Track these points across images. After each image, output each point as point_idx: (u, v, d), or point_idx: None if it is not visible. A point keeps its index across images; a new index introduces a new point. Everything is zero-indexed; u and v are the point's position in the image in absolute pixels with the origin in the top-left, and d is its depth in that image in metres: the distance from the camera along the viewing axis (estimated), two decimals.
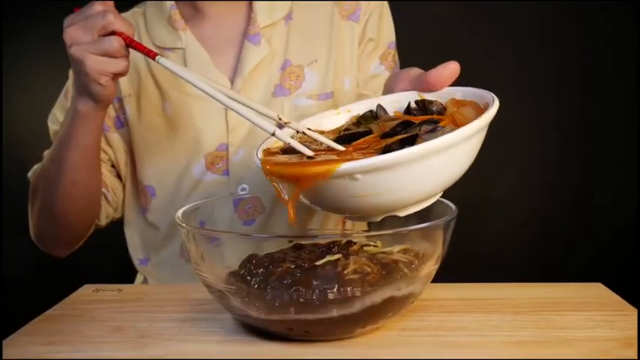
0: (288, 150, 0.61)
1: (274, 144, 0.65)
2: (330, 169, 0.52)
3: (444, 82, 0.64)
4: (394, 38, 0.99)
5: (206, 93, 0.63)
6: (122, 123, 0.95)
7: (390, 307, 0.56)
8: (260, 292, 0.54)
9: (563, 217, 1.64)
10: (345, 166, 0.51)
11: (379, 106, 0.67)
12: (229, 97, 0.63)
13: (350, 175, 0.52)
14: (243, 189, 0.91)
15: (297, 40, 0.94)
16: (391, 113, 0.67)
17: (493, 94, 0.60)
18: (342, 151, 0.57)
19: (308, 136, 0.63)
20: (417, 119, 0.61)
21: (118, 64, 0.73)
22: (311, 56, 0.94)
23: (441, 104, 0.63)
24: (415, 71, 0.68)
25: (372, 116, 0.67)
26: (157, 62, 0.69)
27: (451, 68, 0.64)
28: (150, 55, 0.70)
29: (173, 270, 0.96)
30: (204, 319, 0.63)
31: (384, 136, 0.60)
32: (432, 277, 0.59)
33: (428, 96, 0.66)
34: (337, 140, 0.60)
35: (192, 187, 0.93)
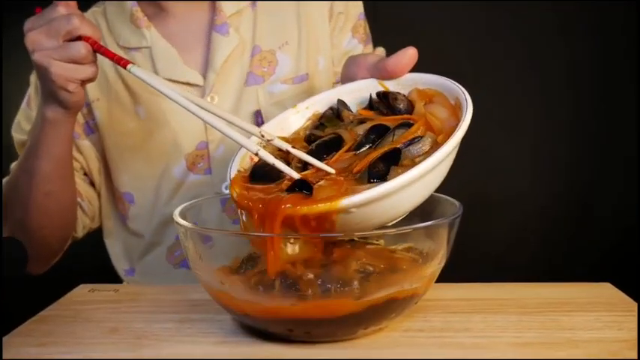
0: (257, 173, 0.59)
1: (244, 157, 0.64)
2: (331, 208, 0.50)
3: (404, 69, 0.63)
4: (362, 9, 0.97)
5: (183, 107, 0.61)
6: (92, 129, 0.92)
7: (393, 307, 0.55)
8: (260, 292, 0.53)
9: (568, 217, 1.63)
10: (345, 202, 0.50)
11: (340, 102, 0.66)
12: (208, 111, 0.61)
13: (346, 210, 0.51)
14: (226, 187, 0.90)
15: (266, 24, 0.92)
16: (352, 105, 0.66)
17: (461, 88, 0.58)
18: (332, 179, 0.55)
19: (291, 154, 0.60)
20: (387, 121, 0.60)
21: (85, 71, 0.71)
22: (281, 39, 0.92)
23: (405, 97, 0.62)
24: (372, 58, 0.67)
25: (334, 115, 0.66)
26: (129, 71, 0.65)
27: (409, 54, 0.62)
28: (120, 63, 0.66)
29: (161, 275, 0.94)
30: (202, 320, 0.62)
31: (359, 146, 0.58)
32: (436, 277, 0.58)
33: (389, 84, 0.65)
34: (309, 154, 0.59)
35: (173, 190, 0.91)
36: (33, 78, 0.93)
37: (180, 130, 0.90)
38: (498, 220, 1.61)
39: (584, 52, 1.60)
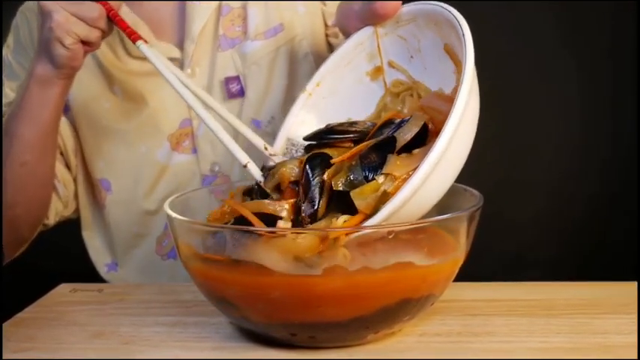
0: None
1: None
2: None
3: (394, 9, 0.65)
4: None
5: (185, 100, 0.66)
6: (68, 107, 0.91)
7: (406, 309, 0.55)
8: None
9: (600, 209, 1.62)
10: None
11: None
12: (209, 110, 0.66)
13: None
14: (213, 167, 0.90)
15: None
16: (363, 62, 0.68)
17: (459, 18, 0.57)
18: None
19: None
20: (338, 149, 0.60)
21: (88, 32, 0.72)
22: None
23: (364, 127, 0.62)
24: (357, 5, 0.68)
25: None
26: (137, 47, 0.71)
27: None
28: (131, 37, 0.71)
29: (149, 270, 0.93)
30: (196, 323, 0.62)
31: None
32: (454, 275, 0.58)
33: (388, 27, 0.66)
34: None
35: (157, 175, 0.91)
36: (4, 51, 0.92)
37: (161, 110, 0.89)
38: (524, 211, 1.60)
39: (632, 22, 1.57)
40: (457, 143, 0.53)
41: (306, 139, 0.64)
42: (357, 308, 0.53)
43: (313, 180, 0.57)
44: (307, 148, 0.65)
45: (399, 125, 0.58)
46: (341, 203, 0.55)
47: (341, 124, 0.63)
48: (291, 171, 0.59)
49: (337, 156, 0.58)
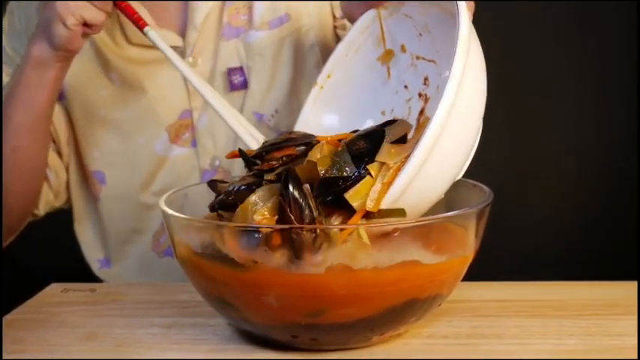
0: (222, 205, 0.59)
1: None
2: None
3: None
4: None
5: (198, 90, 0.73)
6: (63, 93, 0.91)
7: (413, 309, 0.55)
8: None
9: (615, 204, 1.62)
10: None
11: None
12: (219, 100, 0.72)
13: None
14: (214, 162, 0.90)
15: None
16: (370, 45, 0.70)
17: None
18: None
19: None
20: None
21: (92, 14, 0.73)
22: None
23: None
24: None
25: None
26: (145, 34, 0.74)
27: None
28: (139, 23, 0.73)
29: (145, 268, 0.93)
30: (193, 325, 0.62)
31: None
32: (462, 275, 0.58)
33: (391, 8, 0.68)
34: None
35: (156, 166, 0.91)
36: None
37: (160, 99, 0.89)
38: (535, 207, 1.60)
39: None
40: (457, 120, 0.52)
41: (253, 157, 0.62)
42: (362, 309, 0.53)
43: (306, 207, 0.54)
44: (249, 168, 0.62)
45: (385, 125, 0.58)
46: (323, 191, 0.55)
47: (277, 139, 0.61)
48: (274, 204, 0.56)
49: (306, 175, 0.55)
